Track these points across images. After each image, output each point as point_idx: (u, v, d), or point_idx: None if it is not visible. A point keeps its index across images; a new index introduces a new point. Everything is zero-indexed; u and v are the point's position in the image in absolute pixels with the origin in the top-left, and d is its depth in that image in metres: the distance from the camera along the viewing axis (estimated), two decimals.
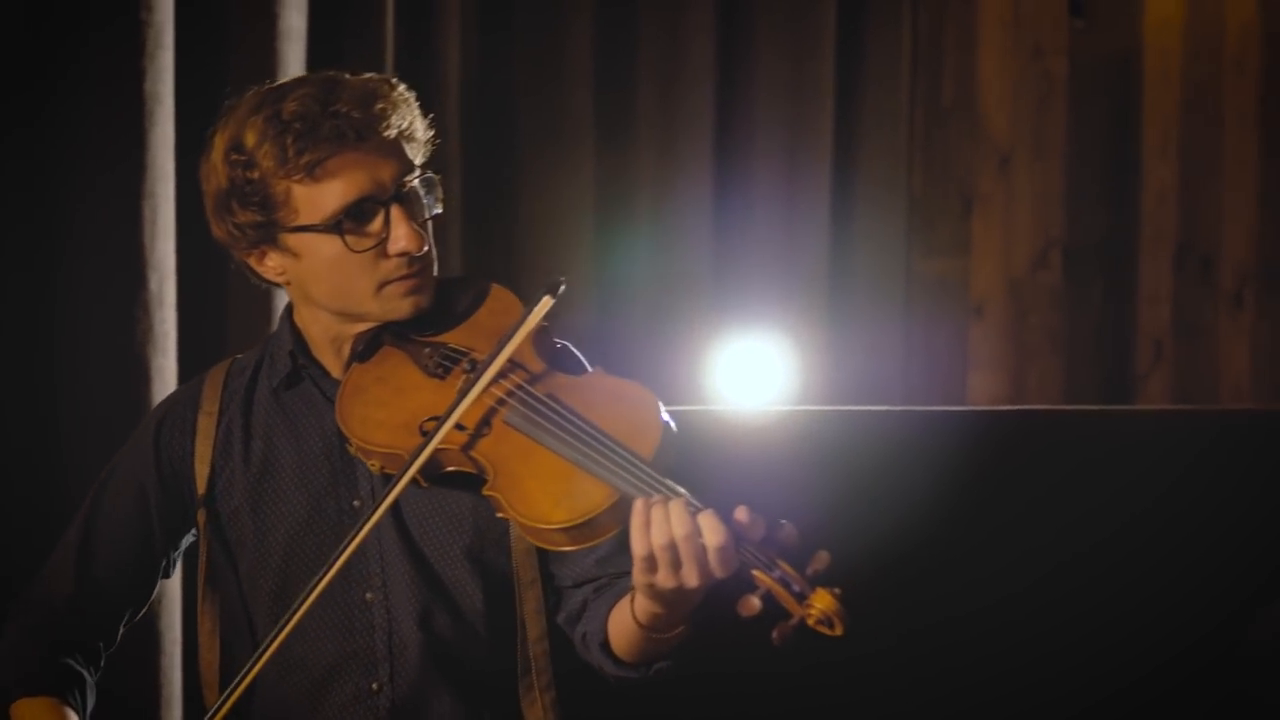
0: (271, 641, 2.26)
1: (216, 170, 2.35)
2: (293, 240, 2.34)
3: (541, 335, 2.35)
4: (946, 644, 3.08)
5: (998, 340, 4.54)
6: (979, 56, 4.51)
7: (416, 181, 2.35)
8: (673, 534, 2.08)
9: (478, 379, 2.27)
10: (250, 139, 2.31)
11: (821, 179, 4.37)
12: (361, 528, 2.26)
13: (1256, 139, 4.49)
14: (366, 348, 2.39)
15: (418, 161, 2.37)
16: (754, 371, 4.25)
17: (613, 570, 2.36)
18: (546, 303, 2.30)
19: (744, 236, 4.36)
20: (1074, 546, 3.09)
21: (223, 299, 3.56)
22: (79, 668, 2.48)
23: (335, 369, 2.43)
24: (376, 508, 2.26)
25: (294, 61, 3.62)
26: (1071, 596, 3.08)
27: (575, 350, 2.42)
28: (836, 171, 4.40)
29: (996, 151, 4.53)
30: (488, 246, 4.16)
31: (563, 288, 2.30)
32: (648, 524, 2.09)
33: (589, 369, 2.38)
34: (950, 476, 3.03)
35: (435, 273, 2.40)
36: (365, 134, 2.30)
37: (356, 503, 2.41)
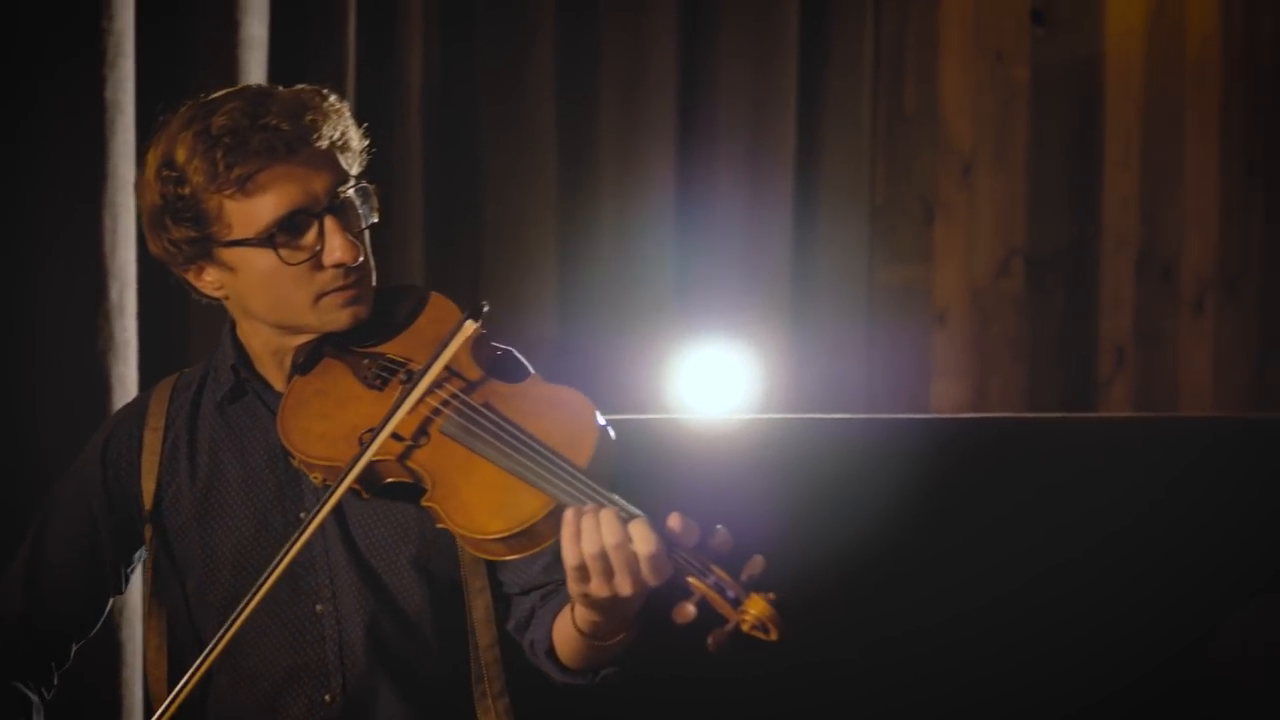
0: (213, 649, 2.25)
1: (150, 187, 2.34)
2: (228, 255, 2.34)
3: (480, 342, 2.34)
4: (909, 653, 3.08)
5: (960, 348, 4.53)
6: (941, 63, 4.51)
7: (351, 191, 2.34)
8: (603, 543, 2.08)
9: (410, 390, 2.26)
10: (181, 154, 2.30)
11: (784, 185, 4.36)
12: (297, 539, 2.25)
13: (1217, 147, 4.49)
14: (307, 360, 2.38)
15: (353, 171, 2.36)
16: (717, 379, 4.24)
17: (559, 577, 2.32)
18: (468, 328, 2.30)
19: (706, 243, 4.36)
20: (1036, 553, 3.09)
21: (184, 308, 3.52)
22: (28, 691, 2.46)
23: (278, 382, 2.43)
24: (311, 519, 2.25)
25: (255, 70, 3.61)
26: (1035, 603, 3.09)
27: (518, 355, 2.42)
28: (799, 178, 4.39)
29: (959, 159, 4.53)
30: (451, 256, 4.16)
31: (486, 308, 2.30)
32: (578, 533, 2.09)
33: (531, 373, 2.38)
34: (913, 484, 3.03)
35: (374, 282, 2.39)
36: (296, 146, 2.29)
37: (303, 515, 2.40)
